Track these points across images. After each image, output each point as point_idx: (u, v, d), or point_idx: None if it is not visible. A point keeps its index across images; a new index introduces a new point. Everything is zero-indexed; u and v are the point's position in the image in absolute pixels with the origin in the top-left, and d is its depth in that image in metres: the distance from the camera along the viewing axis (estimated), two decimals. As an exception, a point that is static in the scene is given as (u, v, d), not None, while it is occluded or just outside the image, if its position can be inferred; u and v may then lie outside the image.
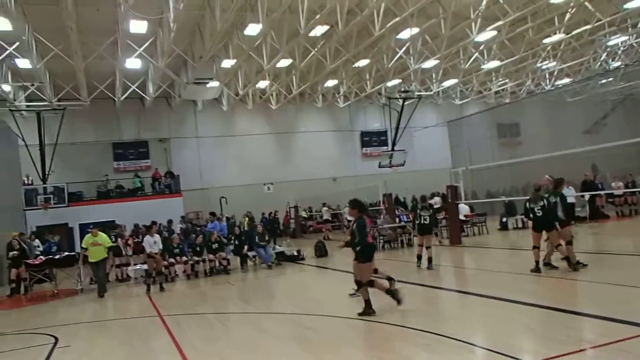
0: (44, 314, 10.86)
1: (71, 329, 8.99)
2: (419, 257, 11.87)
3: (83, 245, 12.63)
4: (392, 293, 7.60)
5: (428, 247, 11.73)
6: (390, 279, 8.18)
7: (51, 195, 24.24)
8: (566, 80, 32.34)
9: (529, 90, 34.12)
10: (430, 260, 11.64)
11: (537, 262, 9.59)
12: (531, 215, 9.80)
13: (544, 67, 29.85)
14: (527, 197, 10.35)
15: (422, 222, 11.86)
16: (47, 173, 24.35)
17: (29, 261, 13.72)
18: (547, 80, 32.78)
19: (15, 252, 13.93)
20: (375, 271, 8.16)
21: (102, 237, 12.67)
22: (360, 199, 8.29)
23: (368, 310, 7.43)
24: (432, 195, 21.77)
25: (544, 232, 9.76)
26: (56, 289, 13.37)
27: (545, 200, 9.77)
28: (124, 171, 28.26)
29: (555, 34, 22.65)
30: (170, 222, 19.54)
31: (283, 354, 6.28)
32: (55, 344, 7.75)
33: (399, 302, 7.51)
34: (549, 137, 25.67)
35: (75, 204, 24.47)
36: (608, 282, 8.28)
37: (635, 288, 7.61)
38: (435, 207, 15.68)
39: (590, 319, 6.21)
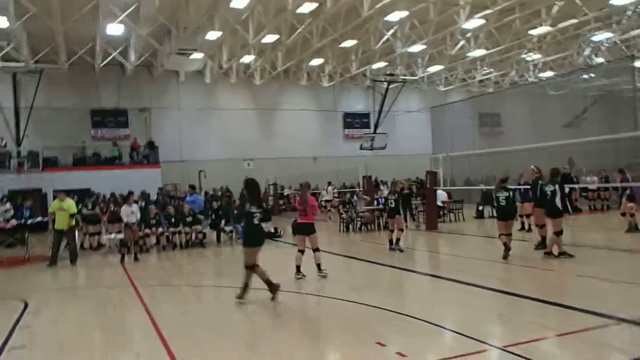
0: (14, 279, 10.72)
1: (42, 295, 8.89)
2: (390, 241, 12.04)
3: (50, 211, 12.41)
4: (270, 285, 7.45)
5: (399, 230, 11.95)
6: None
7: (25, 160, 23.73)
8: (549, 73, 32.66)
9: (512, 81, 34.38)
10: (396, 241, 11.90)
11: (505, 245, 10.01)
12: (496, 205, 10.52)
13: (528, 58, 30.06)
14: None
15: (389, 205, 12.29)
16: (21, 137, 23.78)
17: (0, 225, 13.47)
18: (531, 72, 33.05)
19: None
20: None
21: (68, 203, 12.28)
22: (254, 178, 7.93)
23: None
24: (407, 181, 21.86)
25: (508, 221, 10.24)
26: (27, 255, 13.17)
27: (510, 192, 10.33)
28: (102, 139, 27.72)
29: (541, 25, 22.78)
30: (145, 194, 19.35)
31: (259, 327, 6.31)
32: (25, 309, 7.66)
33: (273, 296, 7.42)
34: (529, 128, 26.00)
35: (50, 169, 24.01)
36: (579, 274, 8.48)
37: (603, 281, 7.83)
38: (405, 192, 15.74)
39: (557, 308, 6.37)
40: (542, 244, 10.65)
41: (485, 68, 31.77)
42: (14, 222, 13.86)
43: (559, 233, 9.58)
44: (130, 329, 6.40)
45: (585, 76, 28.38)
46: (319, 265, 9.08)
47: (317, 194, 27.45)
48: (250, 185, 7.76)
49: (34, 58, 23.68)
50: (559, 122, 25.01)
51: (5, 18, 18.30)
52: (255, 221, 7.46)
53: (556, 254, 9.59)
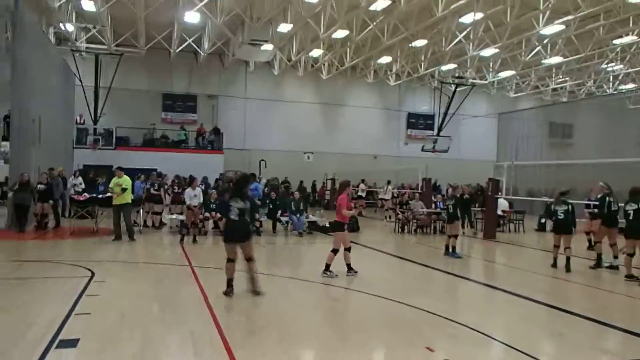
0: (84, 249, 11.37)
1: (107, 265, 9.40)
2: (446, 247, 11.85)
3: (110, 186, 12.89)
4: (228, 285, 7.28)
5: (453, 236, 11.81)
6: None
7: (100, 137, 25.10)
8: (631, 86, 30.82)
9: (588, 92, 32.74)
10: (453, 248, 11.77)
11: (554, 259, 10.44)
12: (554, 217, 10.45)
13: (609, 68, 28.49)
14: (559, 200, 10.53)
15: (448, 210, 12.28)
16: (98, 115, 25.16)
17: (75, 197, 14.34)
18: (610, 83, 31.32)
19: (43, 185, 14.20)
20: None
21: (125, 179, 12.66)
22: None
23: (228, 288, 7.22)
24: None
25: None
26: (96, 227, 13.94)
27: (569, 206, 10.31)
28: (170, 122, 28.90)
29: (627, 35, 21.52)
30: (205, 179, 19.97)
31: (309, 319, 6.41)
32: (92, 277, 8.14)
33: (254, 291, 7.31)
34: (602, 143, 24.65)
35: (121, 147, 25.25)
36: (644, 298, 8.04)
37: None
38: (465, 197, 15.40)
39: (620, 333, 6.06)
40: (598, 263, 10.49)
41: (561, 76, 30.41)
42: (86, 195, 14.69)
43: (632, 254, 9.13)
44: (185, 306, 6.66)
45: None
46: (348, 265, 8.96)
47: (375, 192, 27.36)
48: (239, 179, 7.72)
49: (115, 41, 24.96)
50: (635, 139, 23.57)
51: (92, 2, 19.39)
52: (232, 216, 7.22)
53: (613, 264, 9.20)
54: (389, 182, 24.76)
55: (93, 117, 25.13)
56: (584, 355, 5.15)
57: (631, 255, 9.23)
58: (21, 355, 4.66)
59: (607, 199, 10.46)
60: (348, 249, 9.01)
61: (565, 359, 4.96)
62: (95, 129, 25.26)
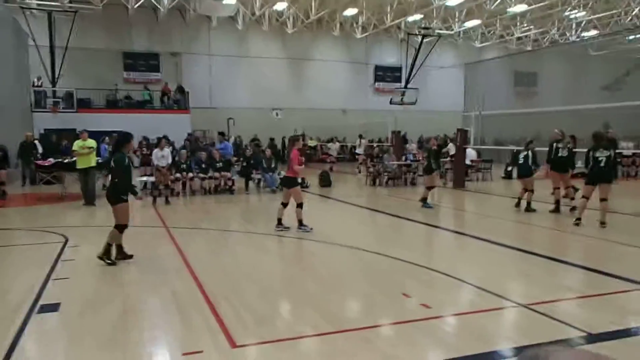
0: (53, 215, 11.19)
1: (79, 230, 9.30)
2: (424, 199, 12.02)
3: (73, 148, 12.51)
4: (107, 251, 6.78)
5: (429, 187, 12.05)
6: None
7: (60, 100, 24.21)
8: (593, 33, 31.27)
9: (552, 40, 33.08)
10: (423, 199, 11.97)
11: (518, 200, 11.27)
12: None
13: (572, 16, 28.75)
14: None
15: (427, 162, 12.46)
16: (56, 77, 24.17)
17: (39, 162, 13.96)
18: (573, 31, 31.69)
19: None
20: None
21: (90, 141, 12.33)
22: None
23: (109, 257, 6.70)
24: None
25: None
26: (64, 193, 13.66)
27: (529, 152, 10.88)
28: (133, 82, 28.02)
29: (590, -19, 21.68)
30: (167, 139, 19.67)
31: (286, 273, 6.55)
32: (66, 243, 8.06)
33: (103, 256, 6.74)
34: (566, 90, 25.17)
35: (83, 110, 24.46)
36: (607, 239, 8.45)
37: (631, 247, 7.80)
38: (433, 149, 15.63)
39: (584, 271, 6.42)
40: (557, 208, 10.92)
41: (525, 25, 30.58)
42: (51, 160, 14.31)
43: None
44: (163, 267, 6.70)
45: (631, 37, 27.08)
46: (299, 221, 8.91)
47: (346, 146, 27.43)
48: (120, 138, 7.07)
49: (69, -3, 23.76)
50: (598, 85, 24.13)
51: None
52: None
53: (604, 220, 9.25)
54: (360, 136, 24.88)
55: (51, 80, 24.14)
56: (549, 292, 5.45)
57: (586, 198, 9.34)
58: (2, 322, 4.65)
59: (555, 145, 10.91)
60: (300, 205, 8.90)
61: (532, 298, 5.24)
62: (54, 92, 24.33)
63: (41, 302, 5.25)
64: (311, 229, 8.86)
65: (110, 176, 7.01)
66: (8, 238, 8.74)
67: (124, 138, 6.96)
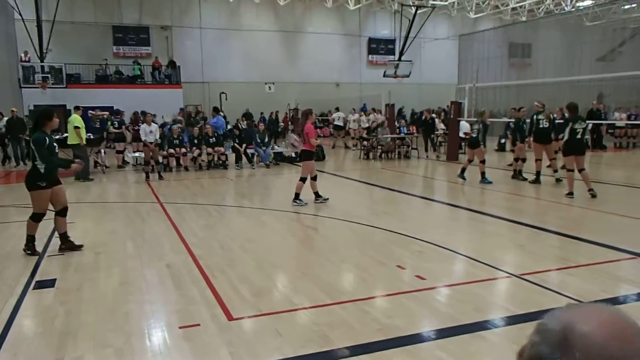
0: (46, 191, 11.11)
1: (73, 207, 9.22)
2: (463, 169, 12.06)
3: (76, 124, 12.51)
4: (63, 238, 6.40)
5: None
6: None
7: (49, 75, 23.82)
8: (587, 2, 30.94)
9: (547, 10, 32.72)
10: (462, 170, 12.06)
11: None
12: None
13: (567, -15, 28.41)
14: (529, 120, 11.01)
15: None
16: (44, 51, 23.72)
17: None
18: (568, 1, 31.34)
19: None
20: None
21: (74, 117, 12.38)
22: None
23: (30, 247, 6.19)
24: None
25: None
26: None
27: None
28: (123, 57, 27.56)
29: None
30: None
31: (283, 246, 6.58)
32: (60, 219, 8.02)
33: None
34: (560, 61, 25.00)
35: (73, 85, 24.12)
36: (599, 209, 8.52)
37: (621, 217, 7.88)
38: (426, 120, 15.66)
39: (576, 242, 6.49)
40: (536, 179, 11.15)
41: (520, -6, 30.21)
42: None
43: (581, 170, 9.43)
44: (159, 241, 6.71)
45: (626, 6, 26.80)
46: (316, 193, 9.10)
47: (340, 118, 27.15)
48: (39, 114, 6.30)
49: (54, -31, 23.13)
50: (593, 55, 23.98)
51: None
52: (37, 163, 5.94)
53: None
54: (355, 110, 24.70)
55: (39, 54, 23.69)
56: (542, 262, 5.51)
57: (571, 170, 9.37)
58: (-1, 298, 4.66)
59: (535, 117, 11.10)
60: (314, 178, 9.11)
61: (525, 268, 5.30)
62: (42, 67, 23.91)
63: (36, 278, 5.26)
64: (306, 203, 8.90)
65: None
66: (1, 216, 8.69)
67: (44, 115, 6.10)
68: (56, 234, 6.50)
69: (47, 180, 5.99)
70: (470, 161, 11.98)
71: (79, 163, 6.76)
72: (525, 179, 11.44)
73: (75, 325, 4.08)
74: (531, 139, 11.26)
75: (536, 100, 11.63)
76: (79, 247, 6.35)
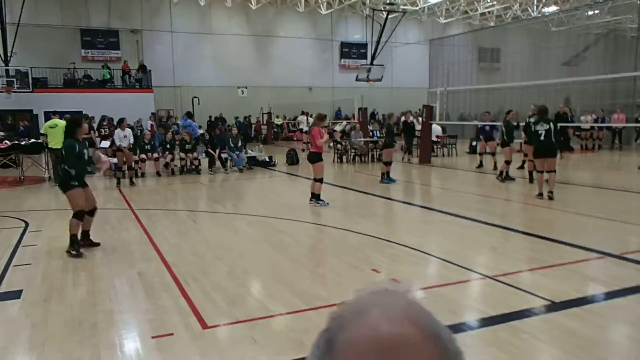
0: (11, 199, 10.80)
1: (40, 214, 9.01)
2: (386, 173, 12.18)
3: (42, 131, 12.30)
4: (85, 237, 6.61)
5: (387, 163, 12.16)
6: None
7: (14, 79, 23.16)
8: (553, 9, 31.75)
9: (514, 16, 33.46)
10: (382, 175, 12.14)
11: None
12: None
13: (533, -8, 29.12)
14: (500, 123, 10.83)
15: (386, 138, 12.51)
16: (9, 55, 23.06)
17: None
18: (535, 7, 32.12)
19: None
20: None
21: (62, 122, 12.10)
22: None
23: (75, 248, 6.26)
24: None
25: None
26: (22, 176, 13.19)
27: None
28: (92, 60, 27.00)
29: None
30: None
31: (256, 253, 6.51)
32: (26, 228, 7.80)
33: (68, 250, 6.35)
34: (527, 65, 25.57)
35: (40, 90, 23.50)
36: (569, 210, 8.71)
37: (589, 217, 8.07)
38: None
39: (547, 242, 6.60)
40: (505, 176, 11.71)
41: (489, 1, 30.80)
42: (7, 142, 13.76)
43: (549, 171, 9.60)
44: (130, 249, 6.56)
45: (590, 12, 27.62)
46: (312, 194, 9.32)
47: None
48: (70, 123, 6.65)
49: (19, -30, 22.53)
50: (559, 60, 24.61)
51: None
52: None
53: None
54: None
55: (3, 58, 23.02)
56: (515, 264, 5.59)
57: (541, 172, 9.56)
58: (-39, 311, 4.48)
59: (530, 121, 11.25)
60: (319, 180, 9.30)
61: (498, 269, 5.37)
62: (7, 70, 23.23)
63: (1, 289, 5.07)
64: (327, 203, 9.22)
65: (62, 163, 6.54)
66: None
67: (74, 122, 6.55)
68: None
69: (78, 180, 6.38)
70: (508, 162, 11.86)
71: (103, 162, 7.02)
72: (513, 179, 11.79)
73: (43, 338, 3.95)
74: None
75: (532, 104, 11.88)
76: (96, 244, 6.63)
